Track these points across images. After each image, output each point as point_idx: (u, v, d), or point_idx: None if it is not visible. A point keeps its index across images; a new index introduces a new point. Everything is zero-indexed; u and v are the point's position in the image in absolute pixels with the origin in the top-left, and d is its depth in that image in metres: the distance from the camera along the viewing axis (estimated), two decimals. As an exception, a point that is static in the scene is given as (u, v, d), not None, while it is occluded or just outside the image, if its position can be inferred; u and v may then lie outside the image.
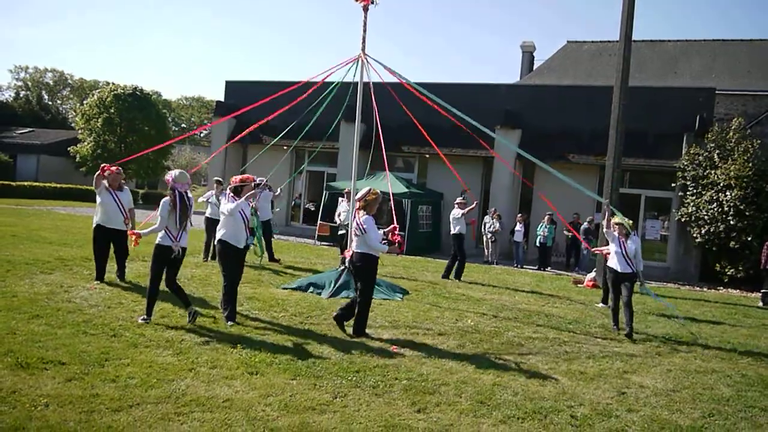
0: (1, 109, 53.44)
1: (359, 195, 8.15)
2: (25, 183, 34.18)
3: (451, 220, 14.19)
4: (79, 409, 4.66)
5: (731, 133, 17.87)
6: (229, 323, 7.63)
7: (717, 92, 20.67)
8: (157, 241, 7.47)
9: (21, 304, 7.73)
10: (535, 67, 33.47)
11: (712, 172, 17.51)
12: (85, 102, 40.34)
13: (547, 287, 14.09)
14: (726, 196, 17.01)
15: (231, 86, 26.54)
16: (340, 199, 15.11)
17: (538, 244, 18.80)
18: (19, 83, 68.80)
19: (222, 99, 26.72)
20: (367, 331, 7.85)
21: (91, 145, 36.26)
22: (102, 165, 9.79)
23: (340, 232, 14.32)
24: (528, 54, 34.68)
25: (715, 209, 17.24)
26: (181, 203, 7.44)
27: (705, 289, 16.70)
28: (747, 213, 16.72)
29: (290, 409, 5.04)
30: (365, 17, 10.77)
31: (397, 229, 8.59)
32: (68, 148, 37.69)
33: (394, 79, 11.40)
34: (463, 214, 14.01)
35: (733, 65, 27.72)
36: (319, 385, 5.65)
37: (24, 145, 40.12)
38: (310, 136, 21.45)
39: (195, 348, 6.50)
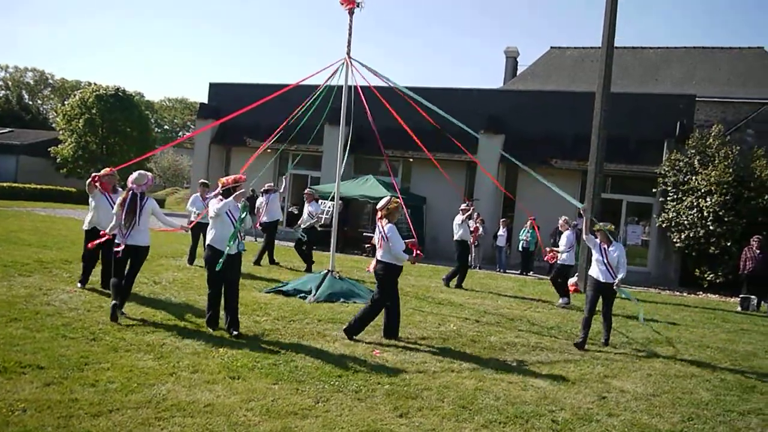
0: (-20, 109, 52.83)
1: (381, 204, 8.18)
2: (4, 184, 33.76)
3: (453, 225, 14.24)
4: (57, 414, 4.60)
5: (711, 140, 18.10)
6: (211, 330, 7.52)
7: (697, 99, 20.94)
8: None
9: (-1, 307, 7.63)
10: (518, 72, 33.68)
11: (693, 178, 17.72)
12: (66, 102, 39.95)
13: (529, 292, 14.16)
14: (706, 202, 17.21)
15: (215, 88, 26.42)
16: (306, 202, 14.85)
17: (520, 248, 18.90)
18: (-1, 83, 68.04)
19: (206, 101, 26.58)
20: (354, 337, 7.83)
21: (72, 146, 35.89)
22: (93, 175, 9.37)
23: (299, 235, 14.14)
24: (512, 59, 34.90)
25: (695, 215, 17.44)
26: (130, 203, 7.76)
27: (685, 294, 16.87)
28: (726, 219, 16.94)
29: (272, 413, 5.02)
30: (350, 21, 10.79)
31: (416, 241, 8.98)
32: (48, 149, 37.29)
33: (379, 83, 11.42)
34: (463, 220, 14.00)
35: (713, 73, 28.09)
36: (301, 390, 5.63)
37: (3, 145, 39.60)
38: (294, 139, 21.46)
39: (176, 352, 6.45)
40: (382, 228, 7.97)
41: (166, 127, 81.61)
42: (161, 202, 42.34)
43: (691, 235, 17.51)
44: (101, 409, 4.78)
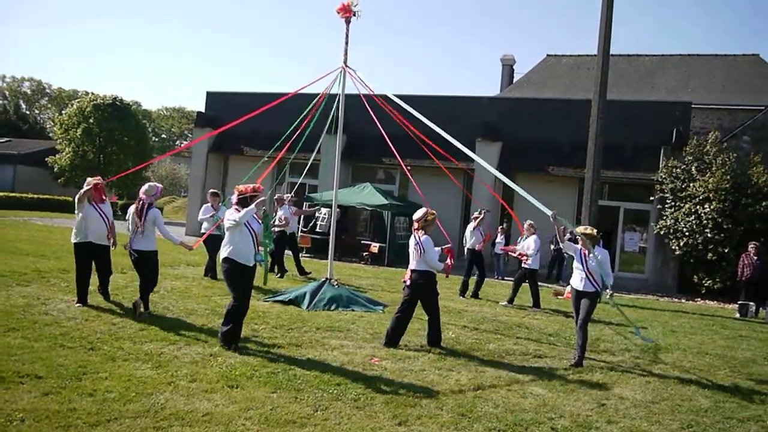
0: (-22, 119, 52.83)
1: (418, 216, 8.35)
2: (1, 193, 33.76)
3: (466, 233, 14.27)
4: (55, 424, 4.58)
5: (709, 147, 18.16)
6: (225, 346, 7.06)
7: (693, 106, 21.03)
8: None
9: (-4, 316, 7.60)
10: (515, 80, 33.79)
11: (691, 184, 17.76)
12: (63, 111, 39.98)
13: (527, 299, 14.14)
14: (704, 208, 17.25)
15: (212, 97, 26.45)
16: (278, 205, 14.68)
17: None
18: (-4, 92, 68.03)
19: (203, 110, 26.61)
20: (349, 343, 7.85)
21: (70, 155, 35.89)
22: (97, 182, 8.76)
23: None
24: (508, 67, 35.04)
25: (693, 222, 17.47)
26: (138, 212, 8.55)
27: (683, 301, 16.88)
28: (724, 226, 16.97)
29: (271, 422, 5.00)
30: (347, 30, 10.83)
31: (452, 248, 9.14)
32: (46, 159, 37.30)
33: (376, 91, 11.45)
34: (475, 227, 13.98)
35: (709, 80, 28.22)
36: (299, 398, 5.62)
37: (0, 155, 39.61)
38: (290, 148, 21.47)
39: (174, 361, 6.43)
40: (419, 238, 8.18)
41: (163, 136, 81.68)
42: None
43: (689, 242, 17.54)
44: (99, 418, 4.76)
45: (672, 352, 9.25)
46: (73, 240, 8.93)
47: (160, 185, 9.01)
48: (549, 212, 8.92)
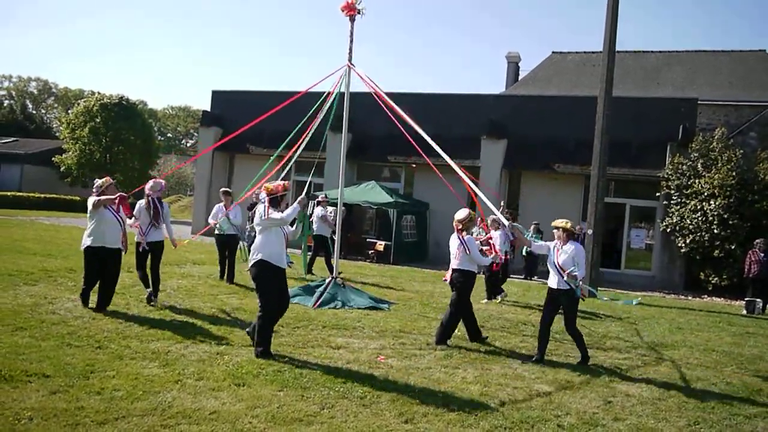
0: (-15, 119, 53.10)
1: (461, 216, 8.50)
2: (8, 193, 33.91)
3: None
4: (63, 423, 4.61)
5: (714, 143, 18.09)
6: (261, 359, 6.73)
7: (699, 102, 20.94)
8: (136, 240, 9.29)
9: (4, 316, 7.64)
10: (520, 77, 33.73)
11: (696, 181, 17.69)
12: (70, 111, 40.13)
13: (533, 296, 14.14)
14: (710, 205, 17.18)
15: (217, 96, 26.49)
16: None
17: (524, 253, 18.86)
18: (3, 92, 68.33)
19: (208, 109, 26.65)
20: (355, 341, 7.87)
21: (77, 154, 36.03)
22: (120, 194, 8.41)
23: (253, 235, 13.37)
24: (513, 64, 34.96)
25: (700, 218, 17.41)
26: (154, 208, 9.32)
27: (690, 298, 16.83)
28: (731, 222, 16.90)
29: (277, 420, 5.02)
30: (352, 28, 10.82)
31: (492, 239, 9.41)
32: (52, 158, 37.46)
33: (381, 88, 11.42)
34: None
35: (715, 76, 28.09)
36: (306, 396, 5.63)
37: (7, 154, 39.82)
38: (300, 147, 21.48)
39: (181, 359, 6.46)
40: (462, 238, 8.37)
41: (169, 135, 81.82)
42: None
43: (695, 238, 17.48)
44: (107, 416, 4.79)
45: (679, 349, 9.23)
46: (87, 244, 8.43)
47: (163, 181, 9.55)
48: (506, 222, 9.14)
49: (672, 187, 18.29)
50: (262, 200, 7.05)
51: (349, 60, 10.92)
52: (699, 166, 17.87)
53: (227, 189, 12.86)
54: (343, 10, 10.72)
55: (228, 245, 12.26)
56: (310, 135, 11.14)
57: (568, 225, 7.91)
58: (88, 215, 8.50)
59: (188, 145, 79.19)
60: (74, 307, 8.53)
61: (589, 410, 5.93)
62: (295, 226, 7.50)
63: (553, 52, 33.21)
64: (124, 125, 36.67)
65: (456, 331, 9.23)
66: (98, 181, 8.61)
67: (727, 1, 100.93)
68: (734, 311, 14.41)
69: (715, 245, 17.15)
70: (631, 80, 27.87)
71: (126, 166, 36.26)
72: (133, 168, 36.36)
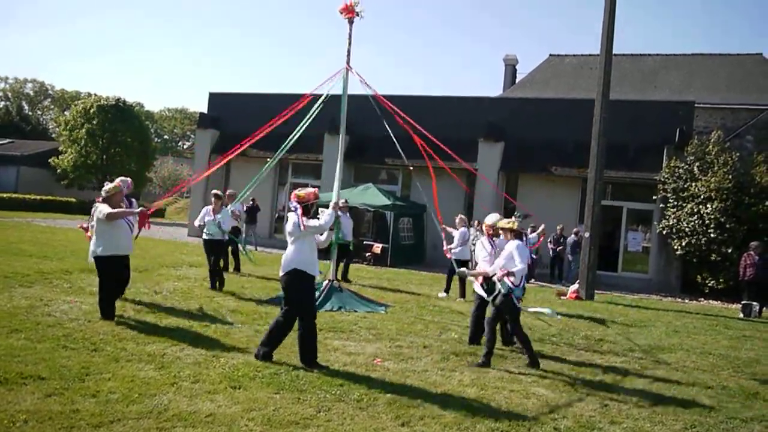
0: (-20, 120, 53.01)
1: (492, 221, 8.52)
2: (4, 194, 33.80)
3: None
4: (58, 425, 4.59)
5: (711, 146, 18.13)
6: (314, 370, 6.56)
7: (696, 106, 20.99)
8: None
9: None
10: (517, 80, 33.78)
11: (693, 184, 17.73)
12: (67, 112, 40.07)
13: (530, 299, 14.12)
14: (706, 208, 17.22)
15: (214, 98, 26.47)
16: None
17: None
18: (-1, 94, 68.15)
19: (205, 111, 26.63)
20: (351, 344, 7.86)
21: (73, 156, 35.96)
22: (142, 211, 8.38)
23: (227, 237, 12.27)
24: (510, 67, 35.02)
25: (696, 221, 17.44)
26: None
27: (686, 301, 16.85)
28: (727, 225, 16.93)
29: (273, 423, 5.00)
30: (350, 30, 10.81)
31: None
32: (49, 160, 37.37)
33: (379, 91, 11.45)
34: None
35: (712, 79, 28.17)
36: (302, 399, 5.62)
37: (3, 156, 39.71)
38: (293, 148, 21.44)
39: (177, 362, 6.44)
40: (493, 242, 8.44)
41: (165, 137, 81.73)
42: (161, 212, 42.37)
43: (692, 241, 17.50)
44: (102, 419, 4.77)
45: (675, 352, 9.23)
46: (100, 254, 8.11)
47: (129, 179, 9.19)
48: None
49: (669, 191, 18.32)
50: (293, 208, 6.89)
51: (348, 62, 10.91)
52: (695, 169, 17.90)
53: (218, 192, 12.44)
54: (341, 12, 10.71)
55: (214, 250, 11.58)
56: (296, 137, 11.12)
57: (514, 225, 7.91)
58: (95, 221, 8.21)
59: (185, 147, 79.03)
60: (70, 309, 8.51)
61: (586, 413, 5.93)
62: (325, 235, 7.26)
63: (550, 55, 33.27)
64: (120, 127, 36.64)
65: (453, 334, 9.24)
66: (108, 186, 8.33)
67: (725, 5, 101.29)
68: (731, 314, 14.43)
69: (711, 248, 17.17)
70: (628, 83, 27.93)
71: (123, 168, 36.15)
72: (130, 170, 36.27)
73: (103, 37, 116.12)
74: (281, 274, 6.89)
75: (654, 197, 18.92)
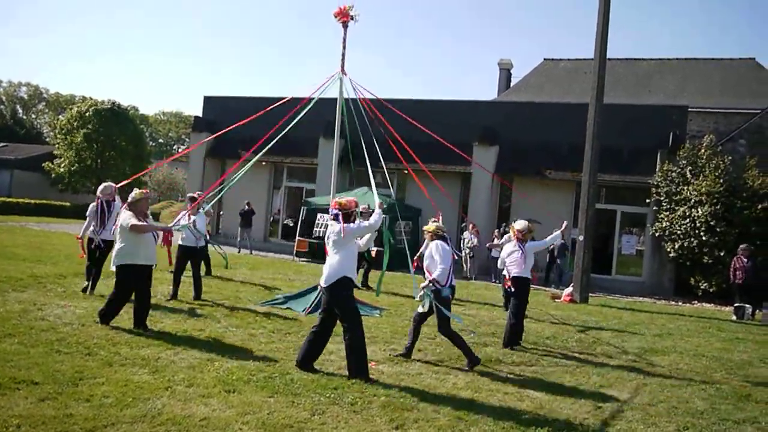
0: (-26, 124, 52.86)
1: (521, 227, 9.13)
2: (-2, 198, 33.69)
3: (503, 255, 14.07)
4: (52, 430, 4.58)
5: (702, 150, 18.22)
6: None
7: (689, 110, 21.09)
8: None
9: (-7, 322, 7.60)
10: (512, 84, 33.89)
11: (685, 188, 17.81)
12: (62, 116, 40.00)
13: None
14: (698, 212, 17.30)
15: (209, 101, 26.48)
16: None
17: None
18: (-7, 97, 67.94)
19: (200, 114, 26.62)
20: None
21: (68, 160, 35.88)
22: (165, 230, 8.93)
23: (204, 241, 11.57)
24: (505, 71, 35.13)
25: (688, 225, 17.52)
26: (101, 210, 9.92)
27: (680, 303, 16.92)
28: (718, 229, 17.00)
29: (268, 427, 5.01)
30: (344, 34, 10.83)
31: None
32: (43, 164, 37.27)
33: (367, 95, 11.49)
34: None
35: (705, 84, 28.32)
36: (297, 403, 5.62)
37: (-3, 159, 39.62)
38: (287, 152, 21.47)
39: (171, 366, 6.43)
40: (523, 247, 9.02)
41: (160, 140, 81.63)
42: (155, 216, 42.26)
43: (684, 244, 17.59)
44: (96, 424, 4.76)
45: (668, 355, 9.27)
46: (122, 262, 7.89)
47: (113, 185, 10.21)
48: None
49: (662, 194, 18.40)
50: (334, 216, 6.83)
51: (342, 67, 10.94)
52: (687, 173, 17.99)
53: (193, 195, 12.14)
54: (336, 17, 10.73)
55: (191, 257, 10.91)
56: (277, 138, 11.18)
57: (434, 227, 7.98)
58: (118, 230, 7.97)
59: (180, 150, 78.89)
60: (63, 313, 8.49)
61: (580, 416, 5.95)
62: (366, 239, 7.20)
63: (545, 59, 33.40)
64: (115, 131, 36.57)
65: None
66: (134, 192, 8.11)
67: (719, 10, 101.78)
68: (724, 317, 14.48)
69: (703, 251, 17.25)
70: (622, 87, 28.05)
71: (118, 172, 36.11)
72: (125, 174, 36.17)
73: (98, 40, 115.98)
74: (325, 284, 6.69)
75: (647, 200, 18.99)
